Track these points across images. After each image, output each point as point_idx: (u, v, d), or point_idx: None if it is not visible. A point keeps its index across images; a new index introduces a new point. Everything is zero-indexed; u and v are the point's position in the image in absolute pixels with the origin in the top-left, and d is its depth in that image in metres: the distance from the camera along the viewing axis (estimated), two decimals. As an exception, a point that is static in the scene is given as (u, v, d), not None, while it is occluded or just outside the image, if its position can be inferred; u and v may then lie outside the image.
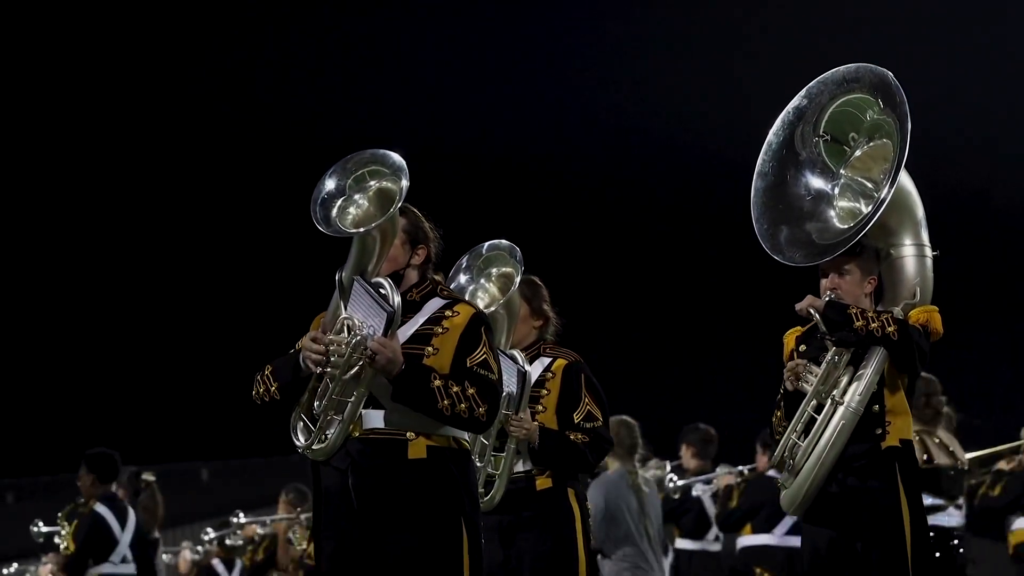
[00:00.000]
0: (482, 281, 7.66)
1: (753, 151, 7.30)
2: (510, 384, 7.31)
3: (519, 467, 7.49)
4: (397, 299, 5.92)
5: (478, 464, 7.34)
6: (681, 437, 12.87)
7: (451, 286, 7.58)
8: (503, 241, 7.68)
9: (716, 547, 12.72)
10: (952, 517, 10.27)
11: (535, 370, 7.61)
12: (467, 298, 7.46)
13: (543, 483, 7.50)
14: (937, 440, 10.12)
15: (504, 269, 7.63)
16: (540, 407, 7.53)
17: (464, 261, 7.70)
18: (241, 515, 13.45)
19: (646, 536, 10.51)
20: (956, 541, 10.31)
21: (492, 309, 7.54)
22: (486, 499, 7.37)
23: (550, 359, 7.67)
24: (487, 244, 7.70)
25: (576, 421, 7.54)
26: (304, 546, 11.93)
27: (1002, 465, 11.77)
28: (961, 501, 10.44)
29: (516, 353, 7.49)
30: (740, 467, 12.34)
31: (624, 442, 10.49)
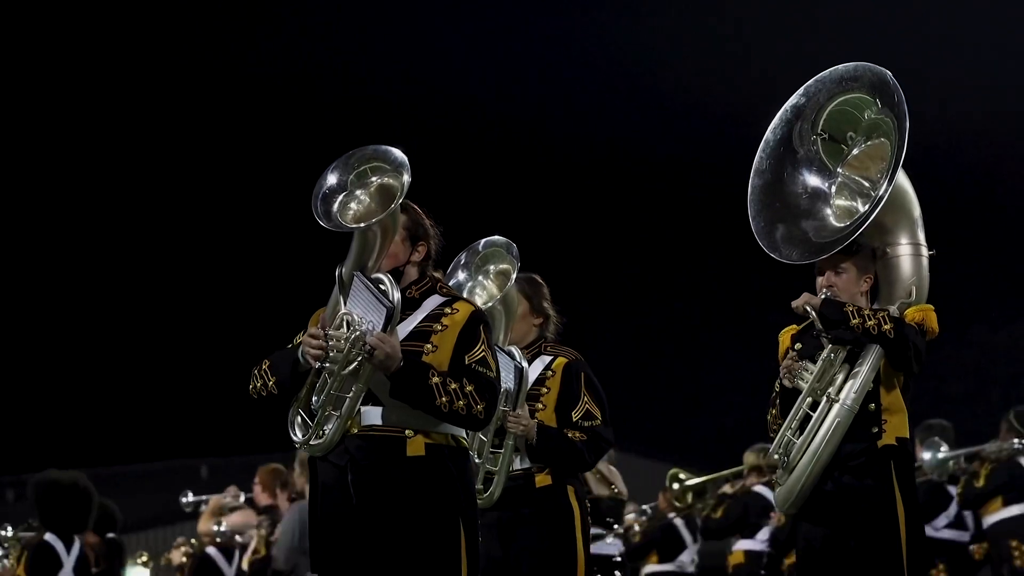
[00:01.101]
0: (480, 278, 7.69)
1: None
2: (508, 380, 7.34)
3: (519, 464, 7.53)
4: (397, 295, 5.93)
5: (476, 461, 7.38)
6: None
7: (449, 283, 7.61)
8: (499, 237, 7.71)
9: None
10: (612, 546, 10.81)
11: (536, 368, 7.65)
12: (465, 295, 7.50)
13: (543, 480, 7.54)
14: (596, 473, 10.52)
15: (501, 266, 7.67)
16: (540, 405, 7.56)
17: (462, 258, 7.74)
18: (9, 528, 13.56)
19: None
20: (618, 571, 10.87)
21: (489, 306, 7.58)
22: (485, 495, 7.40)
23: (551, 357, 7.70)
24: (483, 241, 7.73)
25: (575, 419, 7.57)
26: (8, 561, 12.19)
27: (726, 489, 12.77)
28: (621, 529, 11.08)
29: (514, 349, 7.52)
30: None
31: None
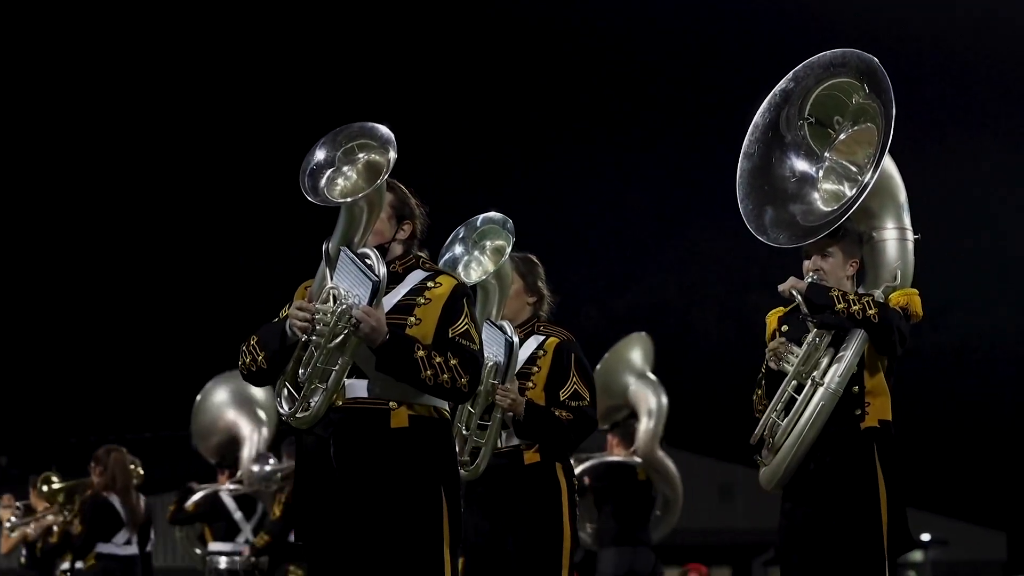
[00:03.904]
0: (476, 254, 7.79)
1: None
2: (498, 355, 7.43)
3: (508, 441, 7.61)
4: (383, 269, 5.98)
5: (464, 433, 7.46)
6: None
7: (446, 256, 7.75)
8: (496, 214, 7.81)
9: None
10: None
11: (528, 347, 7.74)
12: (461, 269, 7.60)
13: (531, 457, 7.62)
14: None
15: (497, 242, 7.76)
16: (530, 384, 7.64)
17: (460, 232, 7.84)
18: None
19: None
20: None
21: (484, 280, 7.67)
22: (471, 468, 7.48)
23: (543, 337, 7.79)
24: (481, 217, 7.83)
25: (562, 399, 7.65)
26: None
27: None
28: None
29: (505, 324, 7.59)
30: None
31: None
